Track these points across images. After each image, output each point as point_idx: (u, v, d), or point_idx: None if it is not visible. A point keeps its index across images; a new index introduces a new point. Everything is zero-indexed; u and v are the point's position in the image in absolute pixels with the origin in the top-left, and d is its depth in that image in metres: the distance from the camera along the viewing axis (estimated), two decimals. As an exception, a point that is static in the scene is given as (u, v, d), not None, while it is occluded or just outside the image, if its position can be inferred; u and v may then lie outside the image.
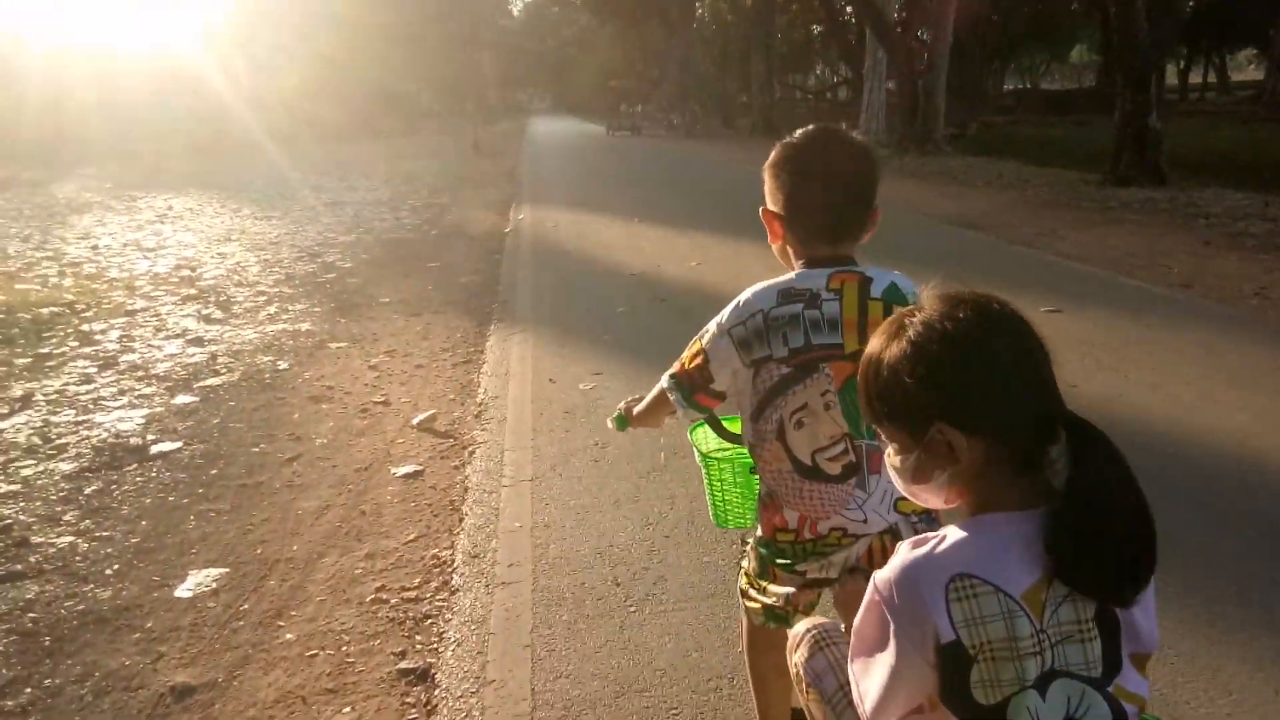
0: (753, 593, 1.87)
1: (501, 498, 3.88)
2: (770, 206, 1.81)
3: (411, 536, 3.63)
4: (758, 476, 1.87)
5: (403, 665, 2.78)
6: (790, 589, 1.77)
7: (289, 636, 2.98)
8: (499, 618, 2.97)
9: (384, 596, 3.19)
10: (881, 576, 1.15)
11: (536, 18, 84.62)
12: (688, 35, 44.01)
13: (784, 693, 2.02)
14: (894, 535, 1.68)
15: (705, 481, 2.11)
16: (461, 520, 3.72)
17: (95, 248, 11.51)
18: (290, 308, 7.82)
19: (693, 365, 1.78)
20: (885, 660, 1.15)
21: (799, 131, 1.81)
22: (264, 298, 8.22)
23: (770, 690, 2.07)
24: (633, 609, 2.97)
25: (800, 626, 1.65)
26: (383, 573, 3.36)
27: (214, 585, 3.32)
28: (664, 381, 1.87)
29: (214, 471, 4.36)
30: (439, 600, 3.15)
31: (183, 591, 3.29)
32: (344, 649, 2.90)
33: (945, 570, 1.10)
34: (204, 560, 3.52)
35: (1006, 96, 50.69)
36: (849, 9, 46.35)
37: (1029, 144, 21.97)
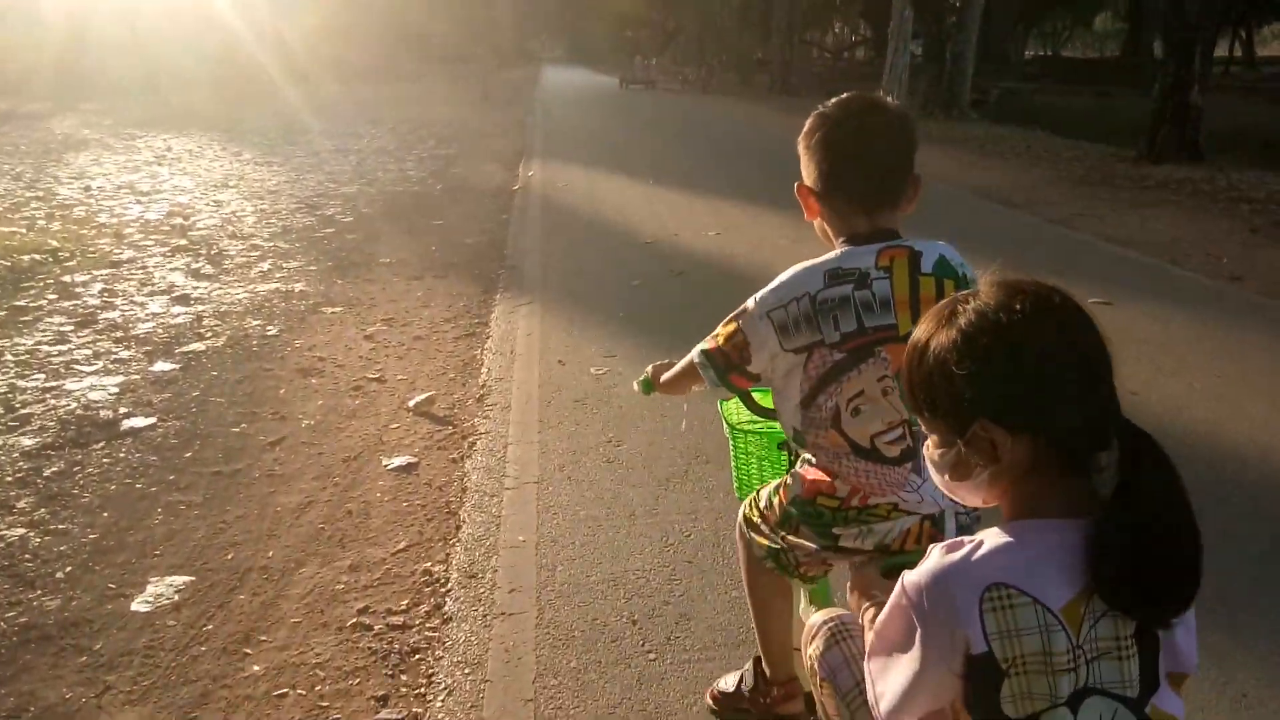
0: (765, 529, 1.81)
1: (504, 503, 3.49)
2: (806, 182, 1.72)
3: (401, 545, 3.24)
4: (785, 453, 1.91)
5: (383, 716, 2.40)
6: (812, 546, 1.71)
7: (256, 669, 2.60)
8: (497, 659, 2.58)
9: (367, 621, 2.80)
10: (911, 580, 1.08)
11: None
12: (707, -13, 42.86)
13: (786, 625, 2.00)
14: (935, 523, 1.63)
15: (731, 452, 2.09)
16: (458, 529, 3.33)
17: (88, 189, 11.05)
18: (285, 265, 7.38)
19: (729, 344, 1.70)
20: (908, 664, 1.10)
21: (832, 101, 1.72)
22: (257, 253, 7.78)
23: (773, 619, 2.00)
24: (652, 656, 2.58)
25: (817, 618, 1.59)
26: (367, 590, 2.98)
27: (176, 597, 2.94)
28: (696, 356, 1.78)
29: (188, 455, 3.96)
30: (429, 630, 2.76)
31: (140, 604, 2.91)
32: (318, 688, 2.52)
33: (982, 578, 1.03)
34: (168, 565, 3.13)
35: (1030, 63, 49.47)
36: (873, -35, 45.17)
37: (1054, 114, 21.22)
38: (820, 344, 1.61)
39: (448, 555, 3.16)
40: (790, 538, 1.75)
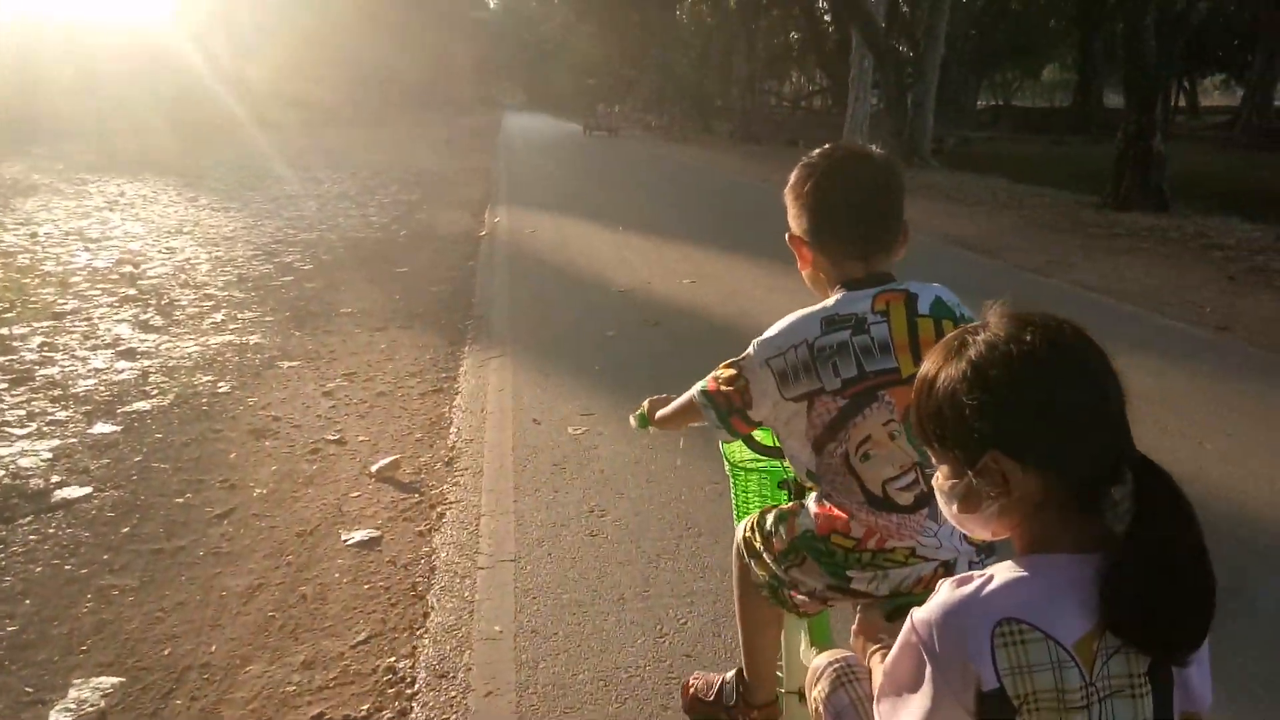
0: (767, 558, 1.76)
1: (477, 585, 3.15)
2: (795, 232, 1.73)
3: (362, 637, 2.89)
4: (785, 491, 1.93)
5: None
6: (817, 585, 1.66)
7: (193, 795, 2.24)
8: (474, 780, 2.25)
9: (323, 732, 2.45)
10: (920, 616, 1.07)
11: (513, 12, 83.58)
12: (667, 36, 43.39)
13: (774, 648, 1.99)
14: (949, 569, 1.59)
15: (731, 489, 2.12)
16: (426, 616, 2.99)
17: (34, 235, 10.57)
18: (239, 316, 7.01)
19: (731, 389, 1.68)
20: (919, 704, 1.08)
21: (817, 151, 1.73)
22: (210, 303, 7.40)
23: (762, 640, 1.98)
24: (652, 781, 2.26)
25: (822, 659, 1.57)
26: (322, 692, 2.63)
27: (102, 703, 2.57)
28: (697, 396, 1.75)
29: (126, 530, 3.59)
30: (394, 744, 2.41)
31: (61, 714, 2.53)
32: (265, 822, 2.16)
33: (993, 613, 1.02)
34: (95, 663, 2.76)
35: (983, 112, 50.58)
36: (828, 16, 46.09)
37: (1011, 162, 21.53)
38: (821, 392, 1.59)
39: (414, 649, 2.82)
40: (794, 572, 1.71)
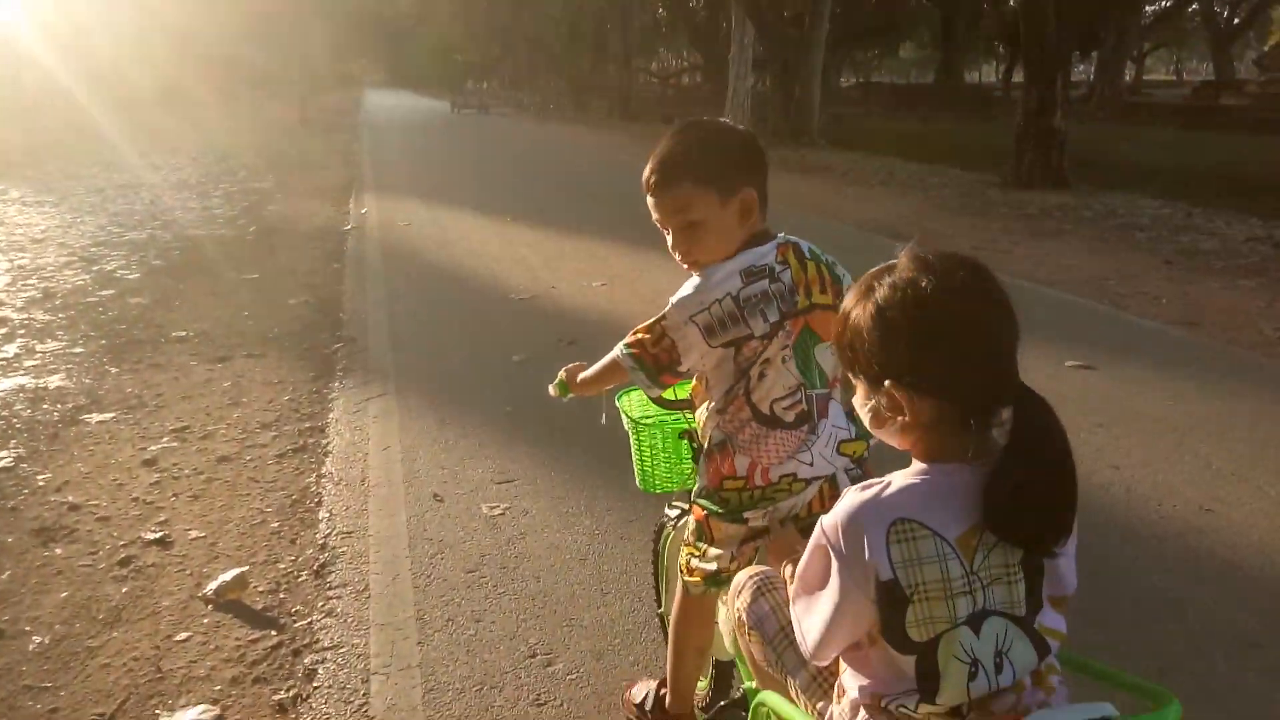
0: (694, 562, 1.87)
1: (373, 824, 2.03)
2: (741, 187, 1.75)
3: None
4: (685, 441, 2.05)
5: None
6: (731, 549, 1.80)
7: None
8: None
9: None
10: (828, 521, 1.21)
11: (371, -16, 79.54)
12: (535, 10, 41.77)
13: (696, 670, 2.08)
14: (832, 484, 1.76)
15: (634, 448, 2.14)
16: None
17: None
18: (39, 348, 5.53)
19: (657, 349, 1.76)
20: (828, 598, 1.22)
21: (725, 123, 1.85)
22: (2, 330, 5.86)
23: (687, 665, 2.06)
24: None
25: (742, 575, 1.66)
26: None
27: None
28: (624, 359, 1.81)
29: None
30: None
31: None
32: None
33: (888, 514, 1.16)
34: None
35: (851, 90, 51.07)
36: (700, -8, 45.33)
37: (889, 139, 21.19)
38: (750, 337, 1.69)
39: None
40: (711, 549, 1.82)
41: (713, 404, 1.80)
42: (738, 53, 24.33)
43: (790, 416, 1.72)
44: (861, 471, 1.79)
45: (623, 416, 2.14)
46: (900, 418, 1.20)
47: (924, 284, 1.15)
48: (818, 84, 20.07)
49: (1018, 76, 50.48)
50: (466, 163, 17.21)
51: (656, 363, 1.76)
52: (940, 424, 1.18)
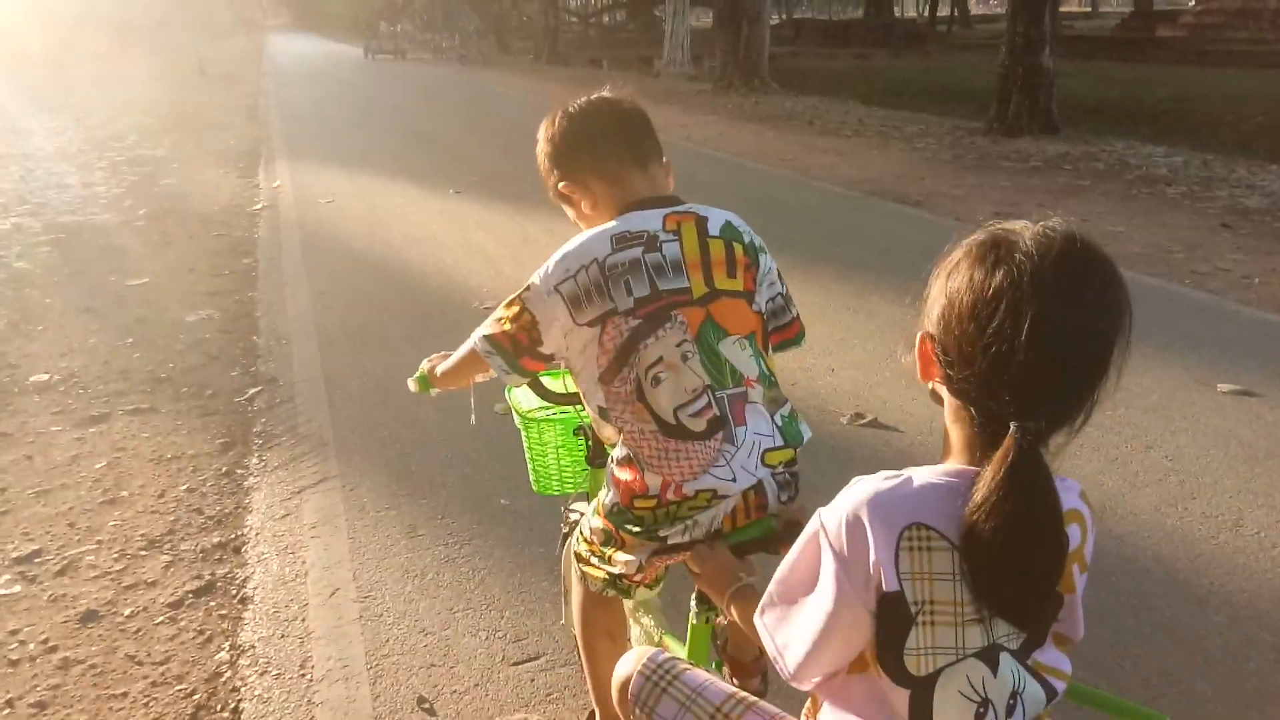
0: (595, 561, 1.67)
1: None
2: (562, 178, 1.66)
3: None
4: (582, 438, 1.86)
5: None
6: (641, 556, 1.57)
7: None
8: None
9: None
10: (829, 512, 1.05)
11: (268, -80, 74.47)
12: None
13: (614, 655, 1.64)
14: (758, 491, 1.52)
15: (525, 444, 1.99)
16: None
17: None
18: None
19: (515, 326, 1.57)
20: (819, 605, 1.04)
21: (576, 104, 1.69)
22: None
23: (601, 656, 1.80)
24: None
25: (628, 665, 1.40)
26: None
27: None
28: (478, 344, 1.63)
29: None
30: None
31: None
32: None
33: (904, 514, 1.00)
34: None
35: (782, 27, 49.62)
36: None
37: (836, 80, 19.97)
38: (614, 312, 1.51)
39: None
40: (619, 555, 1.60)
41: (592, 406, 1.60)
42: (675, -11, 22.79)
43: (699, 425, 1.51)
44: (790, 476, 1.56)
45: (512, 412, 1.96)
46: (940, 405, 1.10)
47: (1040, 266, 0.95)
48: (767, 21, 18.70)
49: (942, 10, 49.92)
50: (389, 118, 15.47)
51: (515, 344, 1.58)
52: (991, 423, 0.99)
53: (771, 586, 1.12)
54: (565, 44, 33.62)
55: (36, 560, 2.94)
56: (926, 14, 50.57)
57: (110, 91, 19.22)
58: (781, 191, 8.51)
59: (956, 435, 1.05)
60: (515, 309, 1.58)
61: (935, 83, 19.13)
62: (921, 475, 1.02)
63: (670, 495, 1.51)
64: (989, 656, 1.00)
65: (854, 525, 1.00)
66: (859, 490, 1.02)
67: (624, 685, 1.39)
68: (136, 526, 3.13)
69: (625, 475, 1.55)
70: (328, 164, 10.40)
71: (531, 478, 2.02)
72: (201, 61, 24.33)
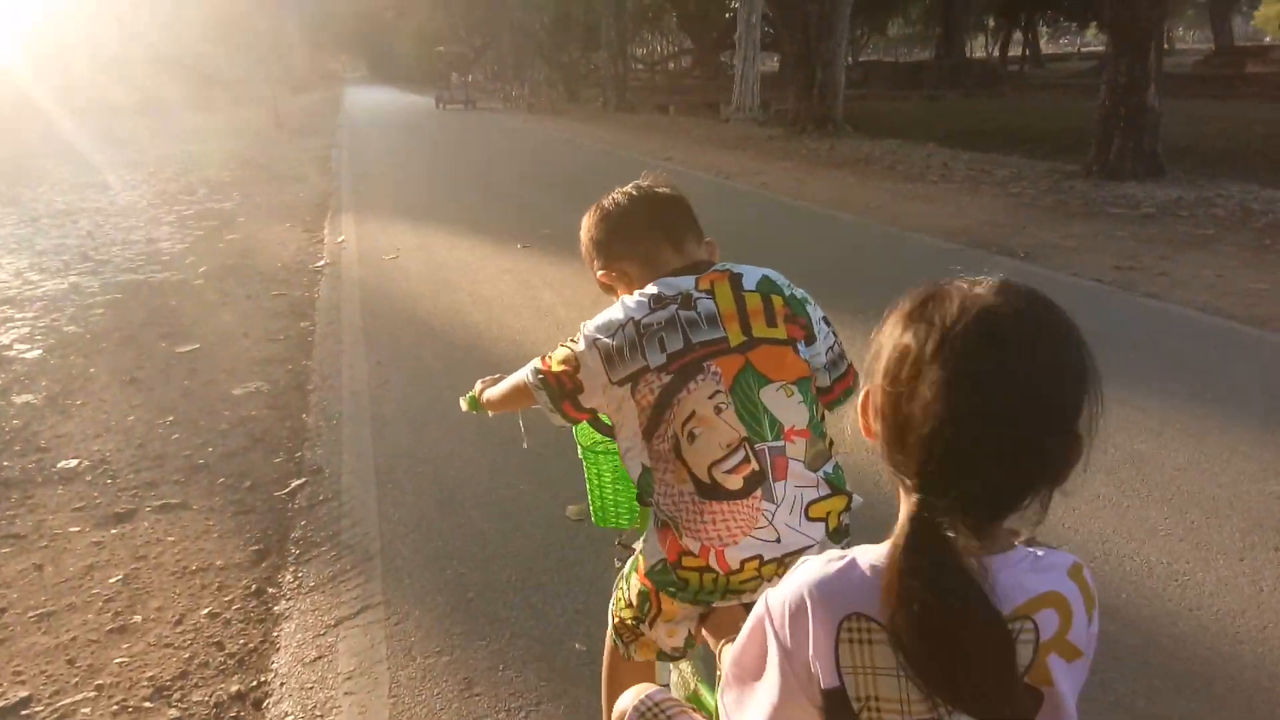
0: (643, 629, 1.60)
1: None
2: (602, 267, 1.69)
3: None
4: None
5: None
6: (688, 625, 1.53)
7: None
8: None
9: None
10: (774, 596, 0.98)
11: (346, -22, 76.94)
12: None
13: None
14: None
15: (586, 478, 1.96)
16: None
17: None
18: None
19: (562, 369, 1.57)
20: (765, 695, 0.98)
21: (612, 196, 1.71)
22: None
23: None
24: None
25: (627, 700, 1.42)
26: None
27: None
28: (530, 377, 1.63)
29: None
30: None
31: None
32: None
33: (843, 603, 0.92)
34: None
35: (852, 69, 49.18)
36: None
37: (911, 122, 19.32)
38: (646, 370, 1.49)
39: None
40: (661, 627, 1.56)
41: (635, 465, 1.55)
42: (744, 32, 22.44)
43: (736, 482, 1.44)
44: (847, 526, 1.52)
45: (576, 444, 1.91)
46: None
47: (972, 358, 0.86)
48: (842, 63, 18.17)
49: (1012, 50, 48.92)
50: (456, 168, 15.29)
51: (560, 387, 1.57)
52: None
53: (728, 667, 1.06)
54: (632, 91, 33.63)
55: (24, 713, 2.46)
56: (996, 54, 49.77)
57: (186, 145, 19.51)
58: (872, 245, 7.88)
59: (901, 508, 0.94)
60: (566, 351, 1.57)
61: (1015, 124, 18.38)
62: (865, 557, 0.94)
63: (714, 563, 1.45)
64: None
65: (797, 613, 0.94)
66: (804, 573, 0.96)
67: (619, 716, 1.36)
68: (145, 666, 2.63)
69: (666, 538, 1.50)
70: (394, 217, 10.10)
71: (590, 510, 1.99)
72: (278, 115, 24.73)
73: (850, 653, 0.91)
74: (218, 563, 3.19)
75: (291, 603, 2.91)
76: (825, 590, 0.93)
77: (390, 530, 3.27)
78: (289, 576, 3.07)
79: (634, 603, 1.60)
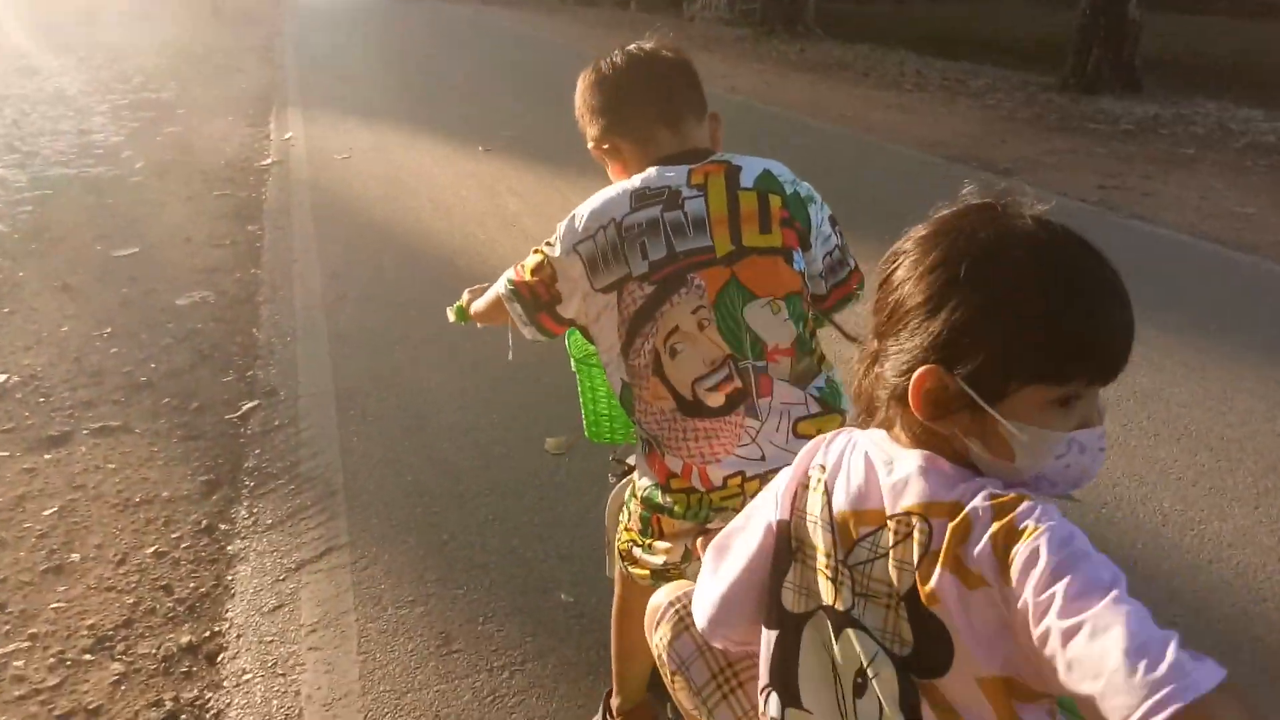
0: (638, 553, 1.54)
1: None
2: (593, 138, 1.57)
3: None
4: None
5: None
6: (685, 541, 1.46)
7: None
8: None
9: None
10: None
11: None
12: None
13: (648, 665, 1.70)
14: None
15: (579, 390, 1.86)
16: None
17: None
18: None
19: (536, 278, 1.48)
20: (741, 550, 1.05)
21: (610, 57, 1.59)
22: None
23: (635, 660, 1.73)
24: None
25: (661, 596, 1.33)
26: None
27: None
28: (503, 288, 1.54)
29: None
30: None
31: None
32: None
33: (819, 454, 1.00)
34: None
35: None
36: None
37: (878, 27, 18.63)
38: (629, 278, 1.40)
39: None
40: (658, 543, 1.49)
41: (615, 380, 1.48)
42: (713, -74, 21.46)
43: (718, 400, 1.39)
44: None
45: (568, 354, 1.82)
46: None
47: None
48: (814, -38, 17.49)
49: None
50: (410, 63, 14.50)
51: (535, 298, 1.48)
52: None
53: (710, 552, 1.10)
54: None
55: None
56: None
57: (119, 32, 18.29)
58: (848, 155, 7.59)
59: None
60: (539, 258, 1.48)
61: (986, 33, 17.88)
62: (872, 436, 0.98)
63: (697, 483, 1.41)
64: (836, 622, 0.93)
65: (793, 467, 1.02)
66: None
67: (654, 611, 1.33)
68: (84, 613, 2.39)
69: (652, 458, 1.46)
70: (345, 113, 9.52)
71: (584, 424, 1.89)
72: (214, 1, 23.27)
73: (803, 496, 0.98)
74: (164, 494, 2.93)
75: (247, 542, 2.67)
76: (812, 449, 1.01)
77: (354, 463, 3.03)
78: (243, 512, 2.82)
79: (633, 527, 1.54)
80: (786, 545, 0.96)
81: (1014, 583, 0.77)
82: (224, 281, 4.82)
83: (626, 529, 1.58)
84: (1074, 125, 8.83)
